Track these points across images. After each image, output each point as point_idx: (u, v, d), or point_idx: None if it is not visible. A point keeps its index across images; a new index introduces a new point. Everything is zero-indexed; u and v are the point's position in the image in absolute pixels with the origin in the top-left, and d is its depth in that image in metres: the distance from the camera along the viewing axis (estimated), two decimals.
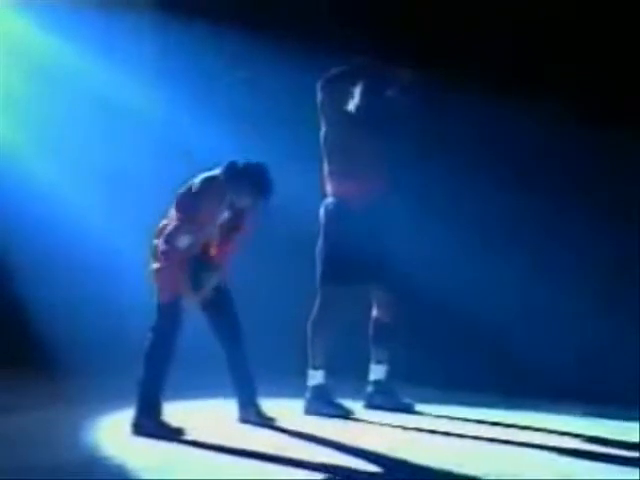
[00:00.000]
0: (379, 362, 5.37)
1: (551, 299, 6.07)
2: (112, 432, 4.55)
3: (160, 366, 4.56)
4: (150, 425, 4.50)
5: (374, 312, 5.41)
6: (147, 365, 4.58)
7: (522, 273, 6.17)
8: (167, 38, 7.11)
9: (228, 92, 6.90)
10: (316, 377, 5.16)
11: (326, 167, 5.30)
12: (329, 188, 5.30)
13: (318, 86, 5.24)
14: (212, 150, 6.57)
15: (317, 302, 5.26)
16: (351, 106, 5.30)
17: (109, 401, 5.25)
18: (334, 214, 5.23)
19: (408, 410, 5.28)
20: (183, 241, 4.57)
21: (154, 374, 4.55)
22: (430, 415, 5.17)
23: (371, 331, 5.41)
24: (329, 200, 5.30)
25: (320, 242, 5.28)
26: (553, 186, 6.14)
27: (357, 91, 5.29)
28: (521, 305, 6.18)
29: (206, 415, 5.02)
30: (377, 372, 5.38)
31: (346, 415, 5.13)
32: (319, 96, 5.24)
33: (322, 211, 5.30)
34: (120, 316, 6.82)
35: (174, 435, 4.44)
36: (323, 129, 5.30)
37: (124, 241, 6.57)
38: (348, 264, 5.13)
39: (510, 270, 6.11)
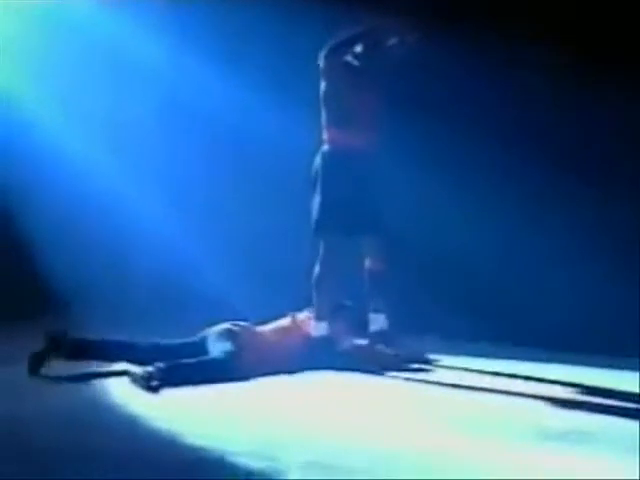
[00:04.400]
0: (378, 311, 5.37)
1: (550, 248, 6.10)
2: (111, 384, 4.54)
3: None
4: None
5: (367, 263, 5.40)
6: None
7: (519, 222, 6.20)
8: None
9: (237, 44, 6.89)
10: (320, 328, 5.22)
11: (324, 117, 5.32)
12: (326, 137, 5.32)
13: (323, 53, 5.26)
14: (218, 103, 6.79)
15: (319, 256, 5.29)
16: (354, 63, 5.31)
17: None
18: (331, 161, 5.26)
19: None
20: None
21: None
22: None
23: (367, 281, 5.41)
24: (326, 148, 5.32)
25: (317, 191, 5.28)
26: (557, 138, 6.15)
27: (360, 49, 5.30)
28: (519, 254, 6.24)
29: None
30: (378, 322, 5.37)
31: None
32: (323, 62, 5.26)
33: (318, 159, 5.32)
34: (124, 268, 6.90)
35: None
36: (323, 83, 5.32)
37: (128, 192, 6.68)
38: (345, 212, 5.16)
39: (506, 220, 6.18)
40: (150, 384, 4.38)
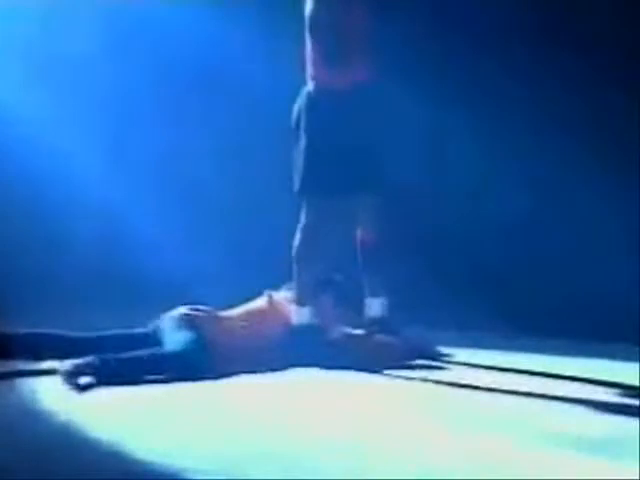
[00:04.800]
0: (375, 295, 4.73)
1: (559, 228, 5.95)
2: (41, 386, 3.90)
3: None
4: None
5: (361, 231, 4.79)
6: None
7: (530, 198, 6.01)
8: None
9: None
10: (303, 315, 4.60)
11: (309, 50, 4.70)
12: (312, 73, 4.69)
13: None
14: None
15: (301, 222, 4.66)
16: None
17: None
18: (317, 102, 4.63)
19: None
20: None
21: None
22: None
23: (359, 257, 4.80)
24: (310, 86, 4.68)
25: (299, 141, 4.66)
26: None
27: None
28: (526, 233, 6.06)
29: None
30: (376, 307, 4.73)
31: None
32: None
33: (301, 101, 4.71)
34: (61, 243, 6.45)
35: None
36: (310, 7, 4.65)
37: (70, 149, 6.27)
38: (334, 164, 4.53)
39: (514, 181, 5.97)
40: (78, 382, 3.76)
